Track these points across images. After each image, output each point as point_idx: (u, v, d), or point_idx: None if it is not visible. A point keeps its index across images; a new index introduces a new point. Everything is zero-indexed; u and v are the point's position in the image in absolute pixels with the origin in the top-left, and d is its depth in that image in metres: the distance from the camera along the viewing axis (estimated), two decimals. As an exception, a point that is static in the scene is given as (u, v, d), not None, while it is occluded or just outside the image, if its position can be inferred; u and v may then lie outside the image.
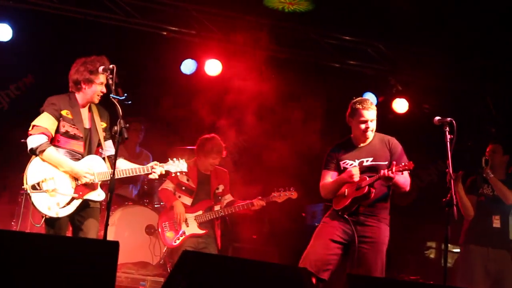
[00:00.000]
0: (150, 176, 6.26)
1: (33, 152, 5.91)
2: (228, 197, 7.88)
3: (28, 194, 5.87)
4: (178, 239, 7.61)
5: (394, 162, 6.18)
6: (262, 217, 9.91)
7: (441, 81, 10.45)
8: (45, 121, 5.97)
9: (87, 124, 6.19)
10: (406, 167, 6.09)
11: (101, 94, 6.17)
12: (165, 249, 8.13)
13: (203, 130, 8.16)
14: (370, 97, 10.56)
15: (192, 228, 7.61)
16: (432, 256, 12.74)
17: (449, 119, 5.97)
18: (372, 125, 6.47)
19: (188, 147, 8.75)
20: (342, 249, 6.48)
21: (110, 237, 7.88)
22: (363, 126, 6.44)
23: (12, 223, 8.33)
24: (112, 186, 5.59)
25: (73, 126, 6.08)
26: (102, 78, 6.11)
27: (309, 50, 10.34)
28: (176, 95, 10.28)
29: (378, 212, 6.45)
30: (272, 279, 4.69)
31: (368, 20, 9.83)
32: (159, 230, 7.76)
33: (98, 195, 6.14)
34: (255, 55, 10.14)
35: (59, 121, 6.03)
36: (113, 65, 5.86)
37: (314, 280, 6.42)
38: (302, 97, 10.69)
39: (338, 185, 6.49)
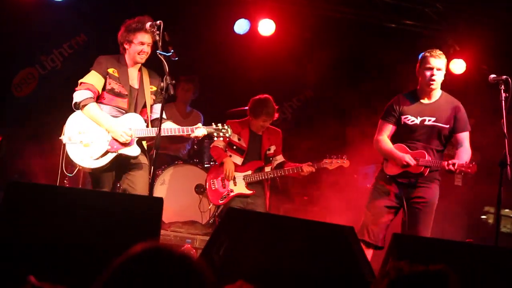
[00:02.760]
0: (192, 135, 6.33)
1: (77, 106, 6.14)
2: (279, 158, 7.80)
3: (64, 144, 6.10)
4: (225, 197, 7.58)
5: (454, 163, 6.07)
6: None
7: (500, 41, 10.14)
8: (91, 78, 6.19)
9: (135, 85, 6.35)
10: (469, 170, 6.04)
11: (144, 54, 6.28)
12: (211, 205, 8.14)
13: (256, 91, 8.06)
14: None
15: (239, 187, 7.57)
16: (490, 221, 12.53)
17: (504, 77, 5.83)
18: (438, 76, 6.28)
19: (242, 108, 8.68)
20: (394, 213, 6.49)
21: (160, 196, 7.97)
22: (428, 73, 6.26)
23: (65, 181, 8.42)
24: (158, 144, 5.66)
25: (118, 83, 6.25)
26: (140, 37, 6.22)
27: (364, 10, 10.12)
28: (229, 55, 10.22)
29: (430, 174, 6.37)
30: (317, 237, 4.65)
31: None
32: (206, 186, 7.75)
33: (133, 150, 6.24)
34: (309, 14, 10.01)
35: (105, 79, 6.22)
36: (160, 21, 5.90)
37: (371, 250, 6.40)
38: (357, 58, 10.54)
39: (391, 156, 6.40)
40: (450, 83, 9.89)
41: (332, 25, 10.13)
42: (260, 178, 7.58)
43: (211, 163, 8.58)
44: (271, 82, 9.80)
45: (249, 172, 7.59)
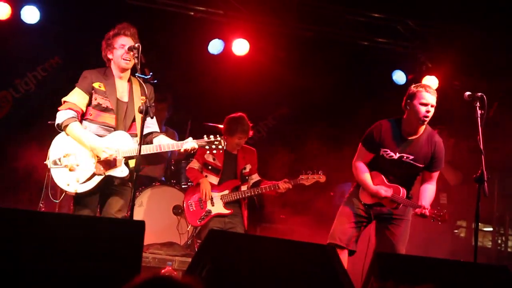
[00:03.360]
0: (181, 150, 6.15)
1: (60, 127, 5.96)
2: (255, 177, 7.79)
3: (49, 169, 5.91)
4: (203, 218, 7.55)
5: (428, 209, 6.25)
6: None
7: (472, 58, 10.28)
8: (75, 96, 5.99)
9: (124, 98, 6.14)
10: (439, 219, 6.23)
11: (128, 58, 6.07)
12: (190, 227, 8.13)
13: (231, 110, 8.08)
14: (400, 75, 10.49)
15: (217, 207, 7.54)
16: (462, 235, 12.64)
17: (479, 94, 5.89)
18: (432, 112, 6.25)
19: (216, 125, 8.69)
20: (362, 226, 6.64)
21: (138, 218, 7.93)
22: (423, 109, 6.20)
23: (41, 204, 8.36)
24: (138, 165, 5.57)
25: (105, 98, 6.03)
26: (121, 40, 6.10)
27: (337, 28, 10.22)
28: (203, 75, 10.24)
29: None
30: (299, 258, 4.66)
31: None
32: (184, 207, 7.71)
33: (122, 171, 6.03)
34: (282, 34, 10.08)
35: (91, 94, 6.02)
36: (139, 44, 5.82)
37: (346, 253, 6.52)
38: (331, 76, 10.60)
39: (367, 188, 6.48)
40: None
41: (306, 44, 10.20)
42: (238, 197, 7.57)
43: (189, 184, 8.56)
44: (246, 101, 9.81)
45: (226, 192, 7.58)
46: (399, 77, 10.58)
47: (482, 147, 5.76)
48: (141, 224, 4.59)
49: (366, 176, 6.48)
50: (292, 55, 10.27)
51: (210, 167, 7.66)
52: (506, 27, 9.80)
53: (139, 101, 6.12)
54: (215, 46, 10.08)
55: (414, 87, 6.33)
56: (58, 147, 5.97)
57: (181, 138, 9.25)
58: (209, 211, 7.54)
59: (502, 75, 10.39)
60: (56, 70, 9.97)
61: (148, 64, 5.93)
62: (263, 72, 10.13)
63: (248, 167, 7.74)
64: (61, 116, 5.95)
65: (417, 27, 10.27)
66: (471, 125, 6.06)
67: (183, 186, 8.73)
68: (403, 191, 6.34)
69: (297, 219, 9.56)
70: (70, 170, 5.88)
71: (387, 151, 6.39)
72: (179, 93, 10.03)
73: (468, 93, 5.96)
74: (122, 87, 6.18)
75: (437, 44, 10.29)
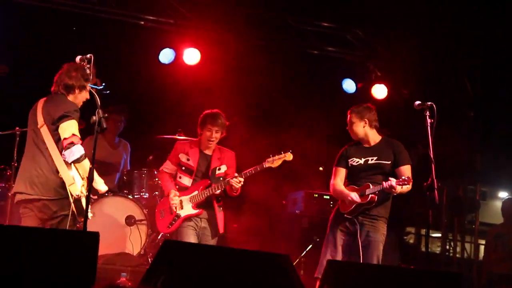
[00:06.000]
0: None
1: (79, 160, 5.94)
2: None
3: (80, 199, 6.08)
4: (172, 224, 7.39)
5: (391, 180, 6.52)
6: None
7: (420, 66, 10.47)
8: (77, 129, 5.97)
9: None
10: (406, 182, 6.45)
11: None
12: (146, 239, 8.07)
13: (183, 120, 8.06)
14: (349, 84, 10.64)
15: (186, 209, 7.25)
16: (411, 241, 12.84)
17: (429, 103, 6.10)
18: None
19: (168, 136, 8.69)
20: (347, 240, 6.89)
21: (90, 228, 7.84)
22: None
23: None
24: (91, 177, 5.56)
25: None
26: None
27: (287, 38, 10.31)
28: (155, 85, 10.20)
29: (377, 211, 6.81)
30: (254, 267, 4.69)
31: (346, 6, 9.85)
32: (155, 218, 7.57)
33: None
34: (233, 43, 10.12)
35: None
36: (91, 55, 5.79)
37: None
38: (282, 85, 10.66)
39: (343, 196, 6.86)
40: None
41: (257, 53, 10.23)
42: (205, 196, 7.33)
43: (141, 194, 8.54)
44: (198, 111, 9.79)
45: (196, 193, 7.34)
46: (349, 85, 10.74)
47: (432, 156, 5.88)
48: (95, 236, 4.58)
49: (341, 187, 6.93)
50: (243, 64, 10.29)
51: (183, 168, 7.43)
52: (451, 34, 10.03)
53: None
54: (166, 56, 10.06)
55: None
56: (77, 178, 6.09)
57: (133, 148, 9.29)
58: (178, 215, 7.34)
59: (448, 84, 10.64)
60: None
61: (98, 74, 5.93)
62: (214, 81, 10.12)
63: (224, 168, 7.45)
64: (80, 150, 5.92)
65: (366, 36, 10.43)
66: (420, 133, 6.22)
67: (135, 196, 8.68)
68: (372, 185, 6.69)
69: (249, 229, 9.58)
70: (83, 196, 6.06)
71: (353, 160, 6.94)
72: (131, 103, 9.96)
73: (418, 102, 6.15)
74: None
75: (386, 53, 10.46)
